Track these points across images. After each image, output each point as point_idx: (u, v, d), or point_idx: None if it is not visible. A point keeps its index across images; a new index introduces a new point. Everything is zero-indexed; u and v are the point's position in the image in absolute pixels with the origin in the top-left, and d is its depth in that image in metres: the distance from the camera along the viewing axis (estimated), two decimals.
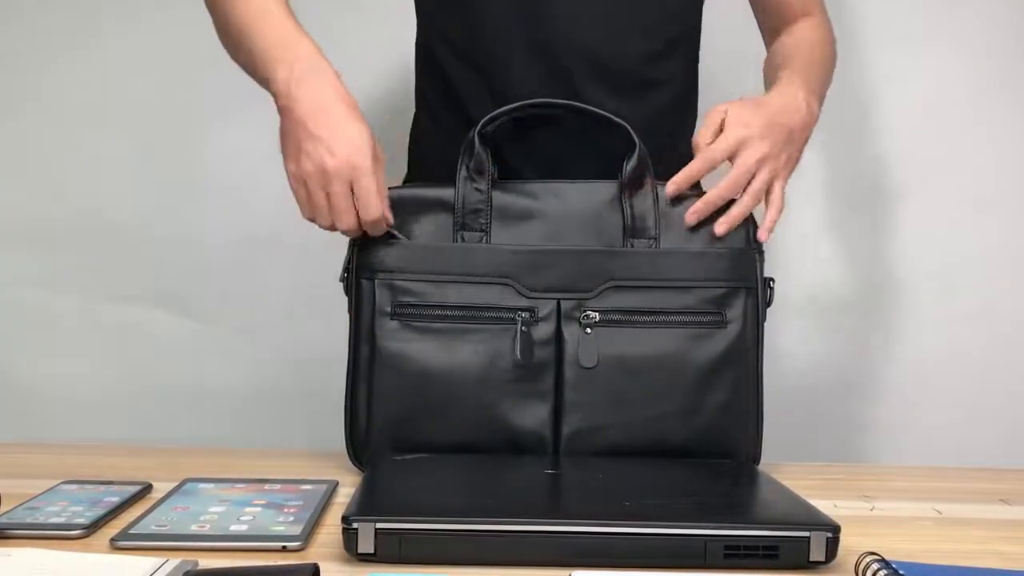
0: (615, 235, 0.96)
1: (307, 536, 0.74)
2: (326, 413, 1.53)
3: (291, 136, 0.91)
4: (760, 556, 0.70)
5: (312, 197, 0.91)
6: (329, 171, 0.89)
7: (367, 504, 0.74)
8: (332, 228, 0.93)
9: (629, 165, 0.96)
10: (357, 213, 0.91)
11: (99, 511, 0.79)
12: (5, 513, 0.78)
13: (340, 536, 0.70)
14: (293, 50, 0.93)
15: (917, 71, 1.53)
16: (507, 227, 0.96)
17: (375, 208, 0.91)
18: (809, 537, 0.70)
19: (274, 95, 0.94)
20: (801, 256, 1.52)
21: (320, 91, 0.91)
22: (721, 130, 0.99)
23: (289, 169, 0.93)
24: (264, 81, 0.95)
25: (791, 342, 1.56)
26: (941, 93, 1.53)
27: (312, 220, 0.94)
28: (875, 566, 0.67)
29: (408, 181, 1.16)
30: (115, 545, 0.72)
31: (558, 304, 0.94)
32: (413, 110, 1.19)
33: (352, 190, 0.90)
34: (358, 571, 0.69)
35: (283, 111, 0.93)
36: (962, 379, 1.55)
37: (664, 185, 0.98)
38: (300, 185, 0.92)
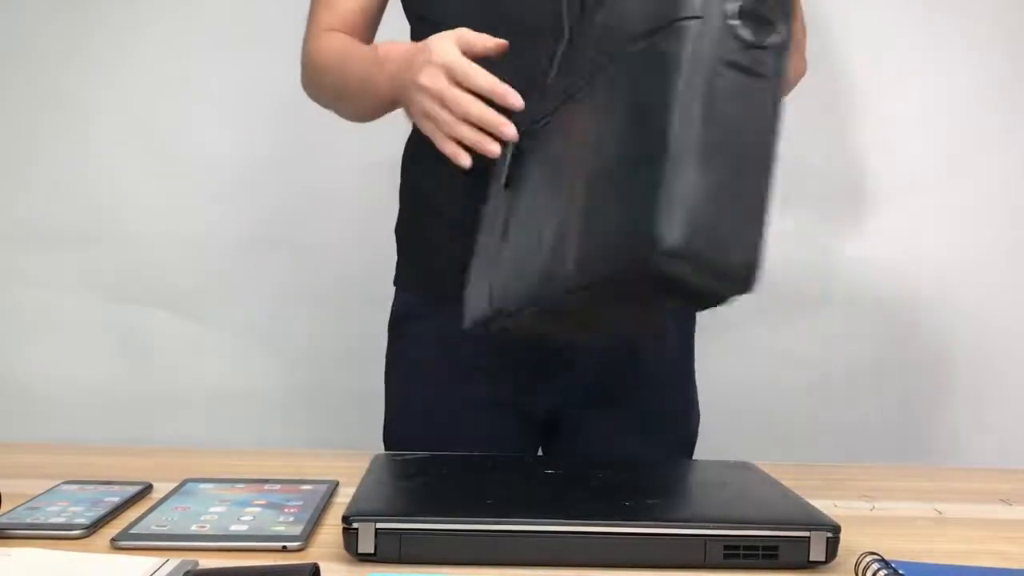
0: None
1: (307, 536, 0.74)
2: (327, 413, 1.54)
3: (410, 107, 0.94)
4: (760, 556, 0.70)
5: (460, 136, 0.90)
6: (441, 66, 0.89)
7: (367, 504, 0.74)
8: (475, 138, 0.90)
9: None
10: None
11: (99, 511, 0.79)
12: (5, 513, 0.78)
13: (340, 536, 0.70)
14: (376, 56, 0.99)
15: (919, 75, 1.53)
16: None
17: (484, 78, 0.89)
18: (809, 537, 0.70)
19: (400, 87, 0.95)
20: (802, 257, 1.52)
21: (398, 63, 0.95)
22: None
23: (429, 131, 0.92)
24: (394, 90, 0.97)
25: (791, 342, 1.57)
26: (942, 96, 1.53)
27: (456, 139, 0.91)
28: (875, 566, 0.67)
29: (402, 206, 1.14)
30: (115, 545, 0.72)
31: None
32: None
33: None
34: (358, 571, 0.69)
35: (404, 86, 0.94)
36: (961, 379, 1.55)
37: None
38: (442, 136, 0.91)
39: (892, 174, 1.55)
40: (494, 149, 0.88)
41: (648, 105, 0.67)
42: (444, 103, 0.89)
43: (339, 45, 1.08)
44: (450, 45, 0.91)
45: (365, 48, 1.06)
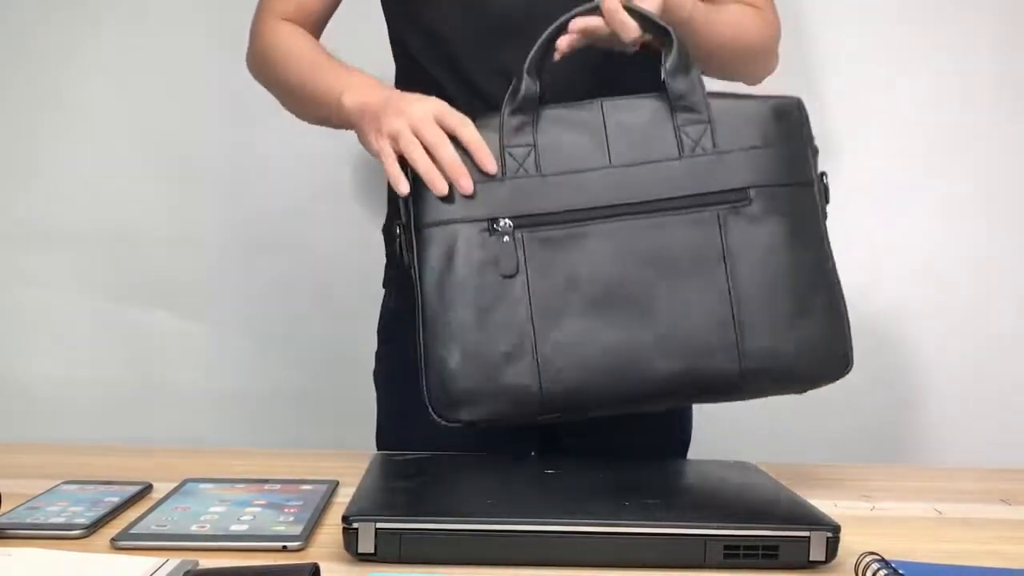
0: None
1: (307, 536, 0.74)
2: (326, 413, 1.54)
3: (371, 124, 0.94)
4: (760, 556, 0.70)
5: (412, 155, 0.91)
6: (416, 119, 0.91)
7: (367, 504, 0.74)
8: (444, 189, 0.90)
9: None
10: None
11: (99, 511, 0.79)
12: (5, 513, 0.78)
13: (340, 536, 0.70)
14: (348, 77, 1.00)
15: (910, 73, 1.53)
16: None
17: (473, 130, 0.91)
18: (809, 537, 0.71)
19: (347, 112, 0.97)
20: None
21: (379, 88, 0.98)
22: None
23: (380, 145, 0.93)
24: (333, 108, 0.99)
25: None
26: (938, 95, 1.53)
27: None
28: (875, 566, 0.67)
29: (390, 208, 1.13)
30: (115, 545, 0.72)
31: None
32: None
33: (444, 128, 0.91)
34: (358, 571, 0.69)
35: (358, 115, 0.96)
36: (959, 378, 1.55)
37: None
38: (392, 151, 0.92)
39: (882, 175, 1.55)
40: (442, 188, 0.89)
41: (807, 235, 0.99)
42: (418, 131, 0.91)
43: (305, 44, 1.07)
44: (444, 104, 0.93)
45: (336, 61, 1.05)
